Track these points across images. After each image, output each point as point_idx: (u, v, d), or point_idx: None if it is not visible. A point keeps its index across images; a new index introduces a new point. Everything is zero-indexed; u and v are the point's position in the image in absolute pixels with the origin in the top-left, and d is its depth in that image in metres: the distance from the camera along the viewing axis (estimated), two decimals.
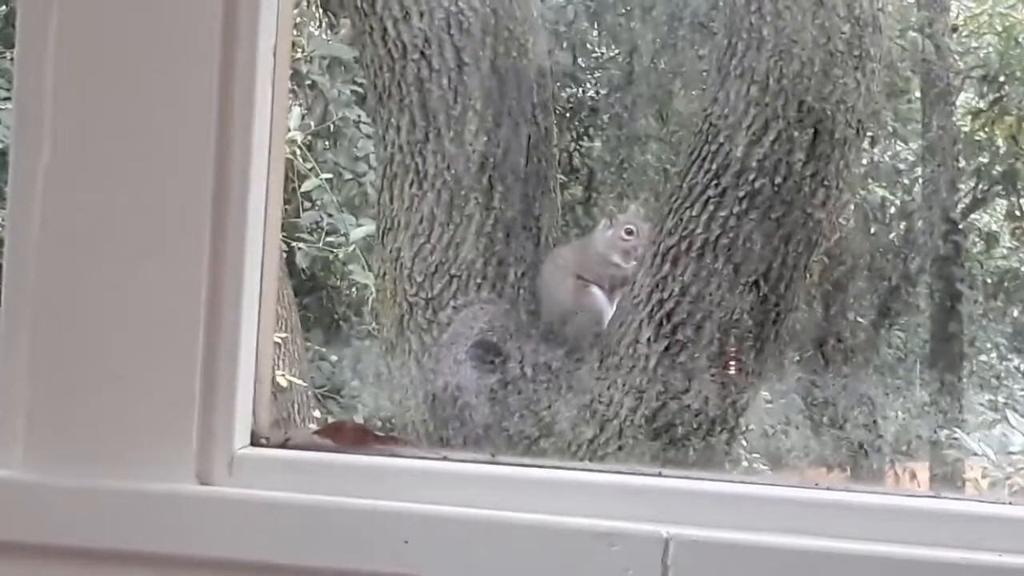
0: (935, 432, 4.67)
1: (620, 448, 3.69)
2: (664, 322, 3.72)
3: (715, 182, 3.73)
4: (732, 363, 3.76)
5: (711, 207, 3.73)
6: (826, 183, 3.74)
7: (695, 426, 3.69)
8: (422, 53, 3.89)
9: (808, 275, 3.97)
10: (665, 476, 1.60)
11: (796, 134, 3.71)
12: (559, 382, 3.82)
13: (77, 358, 1.59)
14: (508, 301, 3.88)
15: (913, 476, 4.73)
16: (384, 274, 4.03)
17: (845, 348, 5.10)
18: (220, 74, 1.60)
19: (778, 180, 3.71)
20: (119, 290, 1.58)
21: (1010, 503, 1.55)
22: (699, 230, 3.73)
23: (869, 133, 4.86)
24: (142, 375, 1.58)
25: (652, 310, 3.73)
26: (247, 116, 1.61)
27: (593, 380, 3.78)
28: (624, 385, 3.73)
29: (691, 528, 1.48)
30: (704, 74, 4.32)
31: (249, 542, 1.54)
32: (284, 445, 1.64)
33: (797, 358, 4.79)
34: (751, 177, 3.71)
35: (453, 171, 3.87)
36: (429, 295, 3.87)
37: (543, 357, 3.84)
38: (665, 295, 3.72)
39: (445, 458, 1.63)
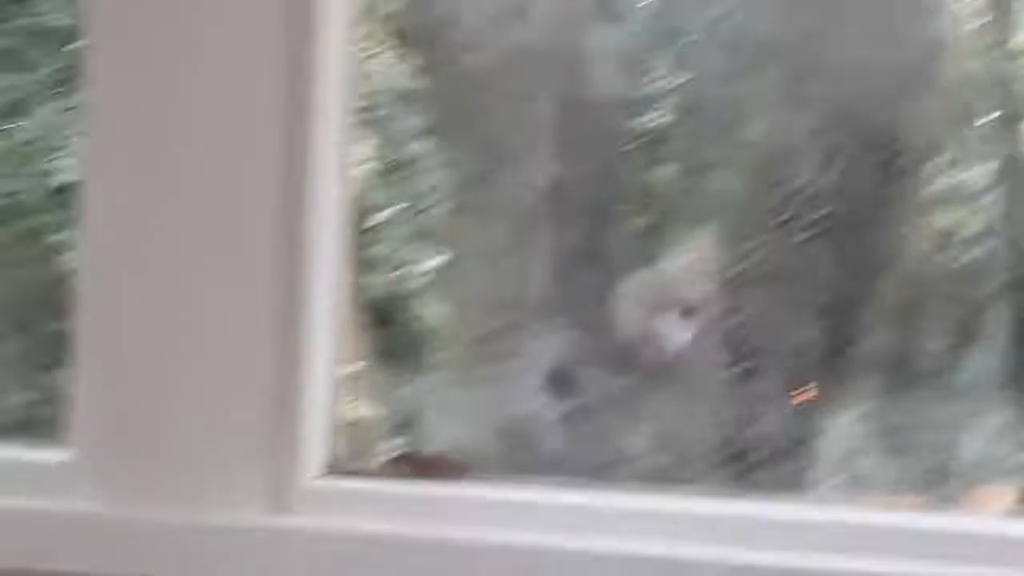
0: (1019, 457, 4.62)
1: (693, 476, 3.68)
2: (737, 349, 3.70)
3: (784, 208, 3.72)
4: (806, 389, 3.74)
5: (781, 233, 3.71)
6: (897, 207, 3.72)
7: (770, 454, 3.66)
8: (488, 84, 3.90)
9: (881, 300, 3.95)
10: (735, 501, 1.60)
11: (865, 158, 3.69)
12: (631, 410, 3.81)
13: (149, 390, 1.60)
14: (580, 330, 3.88)
15: (997, 500, 4.68)
16: (454, 305, 4.04)
17: (922, 372, 5.06)
18: (286, 105, 1.61)
19: (847, 205, 3.69)
20: (192, 320, 1.60)
21: None
22: (770, 256, 3.71)
23: (941, 156, 4.82)
24: (214, 406, 1.59)
25: (725, 337, 3.72)
26: (315, 148, 1.62)
27: (666, 408, 3.77)
28: (698, 413, 3.71)
29: (762, 553, 1.48)
30: (773, 100, 4.30)
31: (323, 573, 1.54)
32: (356, 474, 1.64)
33: (874, 383, 4.75)
34: (820, 202, 3.69)
35: (521, 201, 3.87)
36: (499, 325, 3.87)
37: (616, 385, 3.84)
38: (737, 322, 3.71)
39: (517, 487, 1.63)
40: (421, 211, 5.16)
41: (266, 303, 1.59)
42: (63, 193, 2.59)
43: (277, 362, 1.59)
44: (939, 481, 4.48)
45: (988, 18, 5.29)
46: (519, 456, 3.83)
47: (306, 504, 1.59)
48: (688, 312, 3.93)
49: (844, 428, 4.33)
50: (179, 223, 1.60)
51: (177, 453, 1.59)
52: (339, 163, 1.65)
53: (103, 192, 1.63)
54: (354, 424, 4.41)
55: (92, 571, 1.57)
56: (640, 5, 4.92)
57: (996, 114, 5.35)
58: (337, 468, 1.64)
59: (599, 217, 3.97)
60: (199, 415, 1.59)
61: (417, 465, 1.67)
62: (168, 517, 1.57)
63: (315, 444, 1.62)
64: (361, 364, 4.66)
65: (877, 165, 3.71)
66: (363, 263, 4.83)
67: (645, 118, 5.46)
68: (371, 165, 4.93)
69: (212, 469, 1.59)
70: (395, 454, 1.74)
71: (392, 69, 5.49)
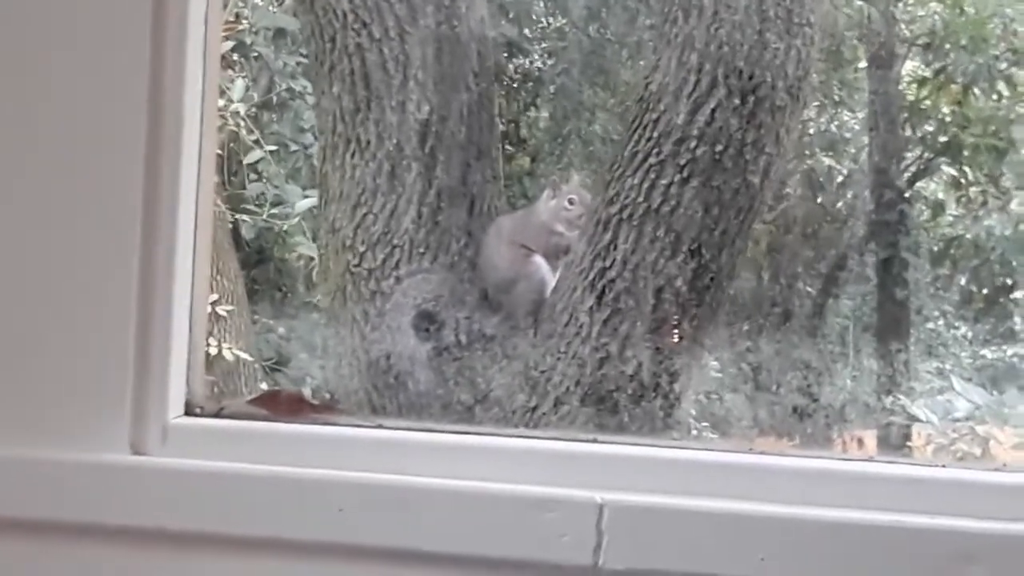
0: (881, 399, 4.69)
1: (560, 416, 3.70)
2: (606, 290, 3.72)
3: (656, 150, 3.73)
4: (674, 331, 3.77)
5: (652, 175, 3.73)
6: (767, 150, 3.74)
7: (636, 394, 3.69)
8: (362, 22, 3.87)
9: (748, 243, 3.98)
10: (600, 442, 1.61)
11: (736, 101, 3.71)
12: (499, 351, 3.82)
13: (8, 329, 1.58)
14: (450, 270, 3.88)
15: (860, 443, 4.75)
16: (327, 245, 4.02)
17: (792, 316, 5.12)
18: (151, 41, 1.59)
19: (719, 148, 3.71)
20: (49, 258, 1.58)
21: (943, 466, 1.56)
22: (640, 198, 3.73)
23: (815, 102, 4.86)
24: (74, 344, 1.57)
25: (594, 279, 3.73)
26: (178, 84, 1.60)
27: (533, 348, 3.79)
28: (565, 353, 3.73)
29: (626, 494, 1.49)
30: (649, 43, 4.32)
31: (183, 512, 1.53)
32: (218, 415, 1.64)
33: (744, 326, 4.80)
34: (692, 144, 3.71)
35: (394, 140, 3.86)
36: (371, 265, 3.86)
37: (484, 326, 3.84)
38: (607, 263, 3.72)
39: (380, 426, 1.63)
40: (298, 150, 5.13)
41: (127, 239, 1.57)
42: None
43: (138, 298, 1.57)
44: (803, 422, 4.54)
45: None
46: (387, 395, 3.84)
47: (168, 443, 1.58)
48: (557, 253, 3.95)
49: (710, 369, 4.38)
50: (38, 155, 1.58)
51: (37, 391, 1.58)
52: (203, 98, 1.63)
53: None
54: (222, 363, 4.39)
55: None
56: None
57: (867, 60, 5.40)
58: (200, 407, 1.63)
59: (471, 158, 3.97)
60: (59, 353, 1.57)
61: (281, 404, 1.66)
62: (28, 455, 1.55)
63: (177, 383, 1.61)
64: (231, 305, 4.63)
65: (746, 108, 3.73)
66: (236, 203, 4.80)
67: (519, 60, 5.46)
68: (245, 104, 4.89)
69: (74, 407, 1.57)
70: (259, 393, 1.73)
71: (271, 8, 5.44)
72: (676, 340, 3.76)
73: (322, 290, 4.22)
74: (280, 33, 5.26)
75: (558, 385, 3.72)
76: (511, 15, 5.29)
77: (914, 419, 4.65)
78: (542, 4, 5.52)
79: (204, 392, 1.65)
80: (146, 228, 1.58)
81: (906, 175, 5.34)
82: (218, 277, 4.57)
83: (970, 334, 5.40)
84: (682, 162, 3.70)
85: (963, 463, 3.40)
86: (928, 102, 5.40)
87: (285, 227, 4.89)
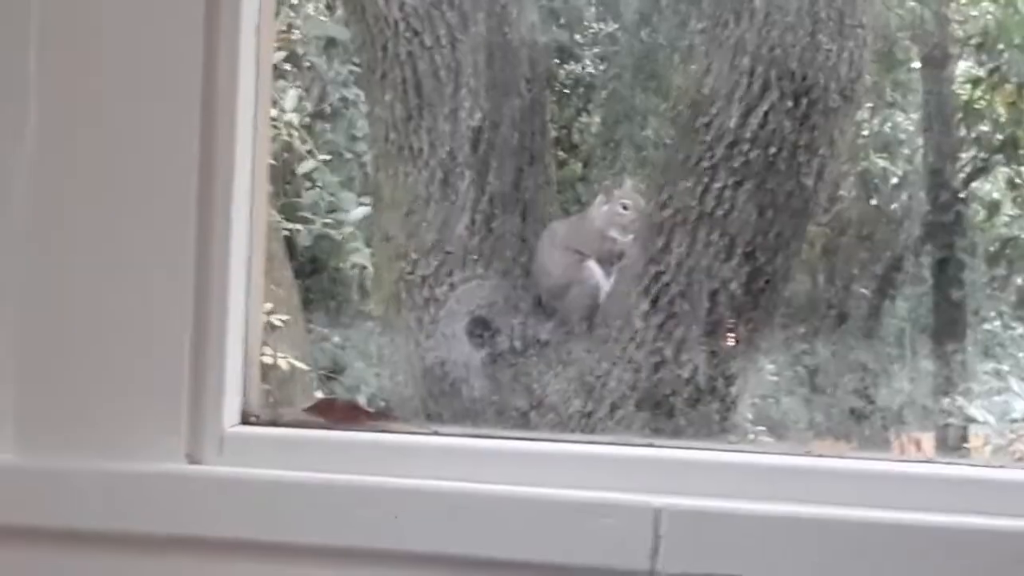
0: (938, 401, 4.67)
1: (615, 421, 3.69)
2: (660, 294, 3.71)
3: (709, 153, 3.72)
4: (730, 334, 3.76)
5: (705, 179, 3.72)
6: (820, 152, 3.73)
7: (692, 398, 3.68)
8: (414, 30, 3.88)
9: (803, 245, 3.97)
10: (656, 447, 1.60)
11: (789, 104, 3.69)
12: (554, 356, 3.82)
13: (65, 340, 1.59)
14: (504, 277, 3.88)
15: (918, 445, 4.72)
16: (380, 253, 4.03)
17: (847, 318, 5.09)
18: (204, 54, 1.60)
19: (772, 150, 3.70)
20: (107, 271, 1.59)
21: (1002, 467, 1.55)
22: (694, 202, 3.72)
23: (868, 103, 4.84)
24: (130, 356, 1.58)
25: (648, 283, 3.73)
26: (231, 96, 1.61)
27: (588, 353, 3.78)
28: (620, 358, 3.73)
29: (683, 498, 1.49)
30: (702, 47, 4.31)
31: (240, 520, 1.54)
32: (274, 423, 1.64)
33: (800, 329, 4.78)
34: (745, 148, 3.70)
35: (446, 148, 3.86)
36: (425, 273, 3.86)
37: (538, 332, 3.85)
38: (661, 267, 3.72)
39: (435, 433, 1.63)
40: (352, 159, 5.14)
41: (182, 249, 1.58)
42: None
43: (194, 308, 1.58)
44: (860, 425, 4.52)
45: None
46: (442, 402, 3.84)
47: (224, 452, 1.59)
48: (612, 258, 3.95)
49: (766, 372, 4.37)
50: (94, 171, 1.59)
51: (94, 403, 1.58)
52: (256, 108, 1.64)
53: (12, 145, 1.61)
54: (277, 373, 4.40)
55: (10, 522, 1.56)
56: None
57: (920, 61, 5.37)
58: (256, 416, 1.63)
59: (523, 164, 3.98)
60: (116, 364, 1.58)
61: (337, 412, 1.66)
62: (86, 467, 1.56)
63: (233, 392, 1.62)
64: (287, 315, 4.65)
65: (799, 111, 3.72)
66: (290, 212, 4.82)
67: (571, 65, 5.46)
68: (299, 114, 4.91)
69: (130, 418, 1.58)
70: (314, 402, 1.73)
71: (323, 18, 5.46)
72: (732, 343, 3.75)
73: (376, 298, 4.23)
74: (332, 43, 5.28)
75: (613, 390, 3.71)
76: (562, 21, 5.28)
77: (972, 420, 4.62)
78: (593, 9, 5.51)
79: (260, 401, 1.65)
80: (200, 239, 1.59)
81: (961, 175, 5.31)
82: (273, 287, 4.58)
83: None
84: (735, 165, 3.69)
85: (1022, 463, 3.38)
86: (983, 102, 5.36)
87: (340, 236, 4.90)
